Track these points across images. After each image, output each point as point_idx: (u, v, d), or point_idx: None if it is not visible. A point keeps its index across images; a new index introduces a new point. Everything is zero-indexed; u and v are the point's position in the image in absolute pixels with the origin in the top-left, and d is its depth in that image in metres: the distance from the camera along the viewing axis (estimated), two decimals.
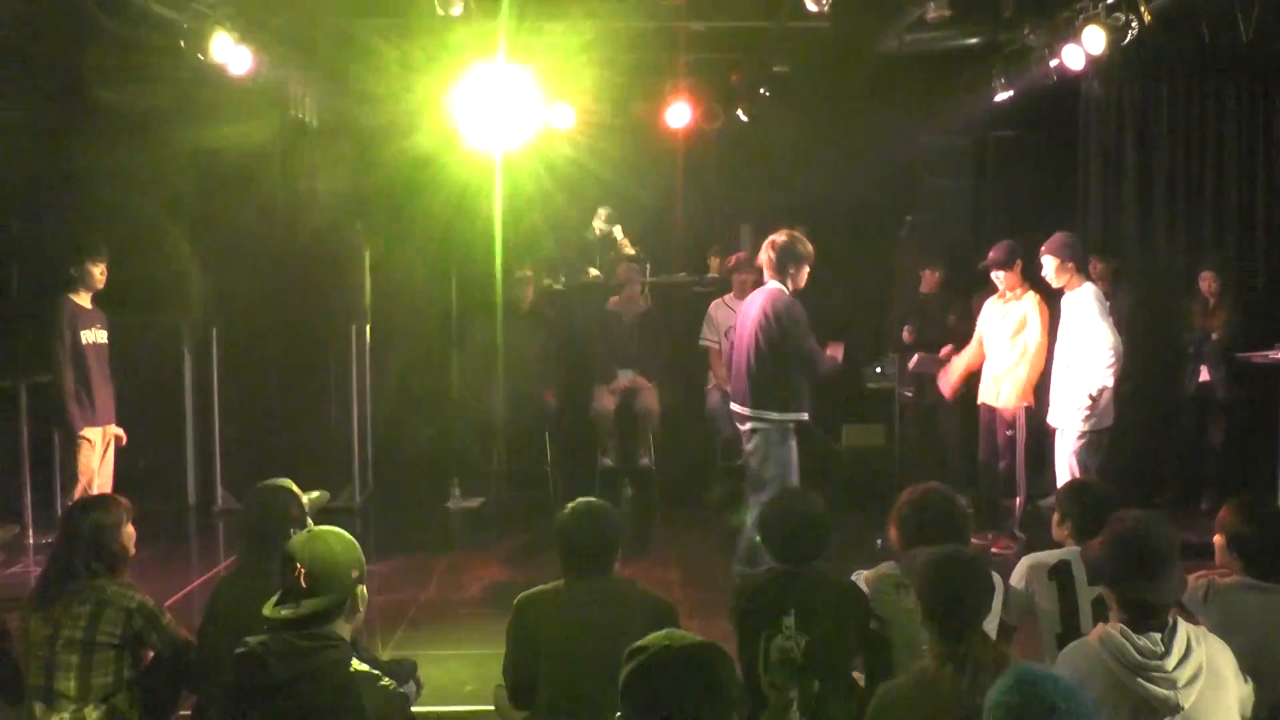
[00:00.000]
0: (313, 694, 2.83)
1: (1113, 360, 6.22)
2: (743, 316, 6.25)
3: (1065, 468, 6.31)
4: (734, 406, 6.27)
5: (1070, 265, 6.43)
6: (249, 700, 2.85)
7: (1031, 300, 6.98)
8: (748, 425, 6.15)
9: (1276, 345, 7.29)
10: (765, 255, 6.13)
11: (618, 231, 9.98)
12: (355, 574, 3.10)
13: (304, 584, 3.03)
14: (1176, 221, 8.37)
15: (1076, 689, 2.34)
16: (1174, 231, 8.37)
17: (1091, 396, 6.22)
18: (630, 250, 9.82)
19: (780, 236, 6.14)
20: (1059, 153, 8.81)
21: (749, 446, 6.16)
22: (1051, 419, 6.53)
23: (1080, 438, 6.28)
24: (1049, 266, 6.47)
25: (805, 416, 6.11)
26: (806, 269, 6.16)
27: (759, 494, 5.98)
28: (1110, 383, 6.24)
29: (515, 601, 3.64)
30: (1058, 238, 6.58)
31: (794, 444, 6.09)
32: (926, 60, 8.79)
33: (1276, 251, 8.38)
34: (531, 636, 3.52)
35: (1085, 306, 6.36)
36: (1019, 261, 7.00)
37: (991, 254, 7.08)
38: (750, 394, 6.09)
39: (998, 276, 7.02)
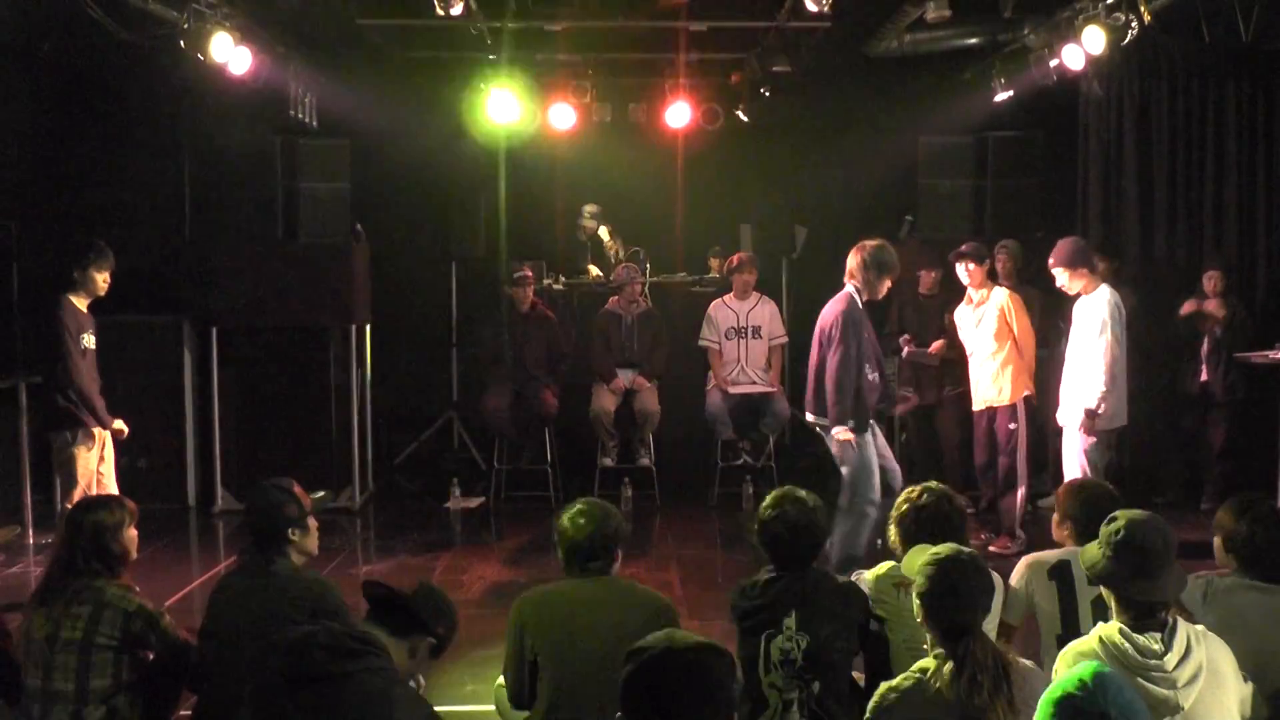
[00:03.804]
0: (350, 695, 2.77)
1: (1104, 388, 6.17)
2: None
3: (1075, 467, 6.24)
4: (809, 416, 6.37)
5: (1082, 271, 6.32)
6: (285, 688, 2.79)
7: (1002, 295, 7.00)
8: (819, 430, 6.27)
9: (1276, 345, 7.29)
10: (853, 258, 6.23)
11: (603, 232, 10.00)
12: (441, 630, 3.21)
13: (411, 592, 3.17)
14: (1177, 221, 8.36)
15: (1140, 708, 2.34)
16: (1174, 231, 8.36)
17: (1088, 410, 6.19)
18: (612, 245, 9.84)
19: (871, 241, 6.24)
20: (1059, 153, 8.81)
21: (834, 448, 6.22)
22: (1060, 418, 6.47)
23: (1090, 437, 6.24)
24: (1061, 279, 6.40)
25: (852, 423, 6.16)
26: (888, 281, 6.26)
27: (840, 496, 6.12)
28: (1098, 404, 6.18)
29: (515, 602, 3.64)
30: (1063, 247, 6.46)
31: (868, 441, 6.15)
32: (926, 60, 8.79)
33: (1277, 251, 8.38)
34: (531, 637, 3.52)
35: (1095, 314, 6.28)
36: (989, 261, 7.04)
37: (964, 247, 7.09)
38: (819, 399, 6.20)
39: (967, 269, 7.02)
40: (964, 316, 7.22)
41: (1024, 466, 6.99)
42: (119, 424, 6.19)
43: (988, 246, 7.26)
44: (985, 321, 7.03)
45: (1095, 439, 6.25)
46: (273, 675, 2.83)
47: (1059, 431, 6.64)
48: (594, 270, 9.93)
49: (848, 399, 6.05)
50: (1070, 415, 6.39)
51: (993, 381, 7.02)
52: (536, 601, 3.60)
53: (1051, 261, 6.43)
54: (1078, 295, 6.46)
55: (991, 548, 6.92)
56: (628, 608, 3.52)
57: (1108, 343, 6.22)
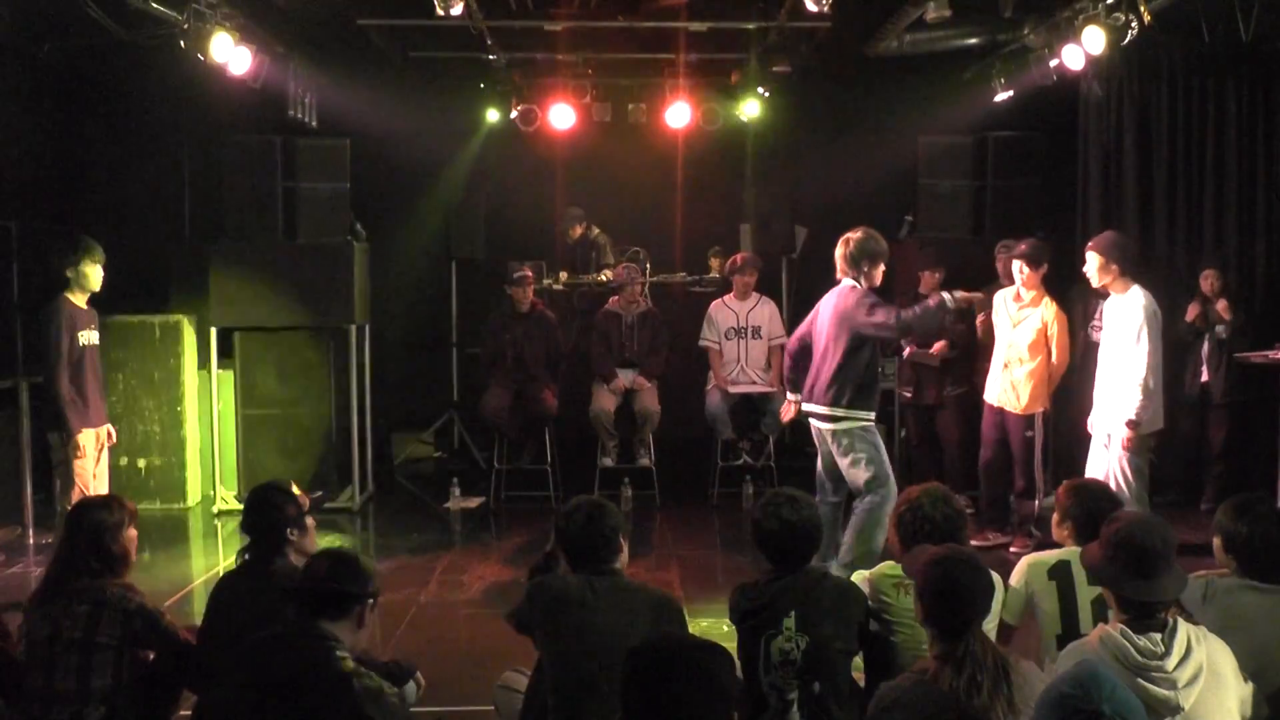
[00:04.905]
0: (309, 690, 2.86)
1: (1141, 398, 6.03)
2: (819, 320, 6.17)
3: (1116, 473, 6.09)
4: (813, 408, 6.12)
5: (1114, 268, 6.16)
6: (247, 694, 2.88)
7: (1051, 310, 6.91)
8: (836, 425, 6.03)
9: (1276, 345, 7.29)
10: (839, 251, 6.09)
11: (594, 232, 10.03)
12: (371, 588, 3.31)
13: (324, 574, 3.26)
14: (1176, 221, 8.36)
15: (1135, 706, 2.35)
16: (1174, 231, 8.36)
17: (1129, 423, 6.05)
18: (603, 240, 9.86)
19: (855, 233, 6.09)
20: (1059, 153, 8.80)
21: (837, 448, 6.05)
22: (1094, 424, 6.34)
23: (1129, 443, 6.11)
24: (1091, 264, 6.23)
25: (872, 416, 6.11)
26: (881, 267, 6.10)
27: (863, 498, 5.98)
28: (1138, 414, 6.04)
29: (531, 583, 3.68)
30: (1106, 236, 6.39)
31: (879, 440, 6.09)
32: (926, 60, 8.79)
33: (1277, 251, 8.38)
34: (538, 625, 3.56)
35: (1131, 317, 6.13)
36: (1046, 265, 6.94)
37: (1023, 246, 6.96)
38: (841, 394, 5.99)
39: (1022, 271, 6.91)
40: (1003, 304, 7.08)
41: (1040, 473, 6.98)
42: (86, 436, 6.14)
43: (1046, 248, 7.06)
44: (1024, 327, 6.92)
45: (1140, 445, 6.15)
46: (237, 687, 2.91)
47: (1075, 436, 6.55)
48: (587, 277, 9.94)
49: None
50: (1106, 422, 6.24)
51: (1011, 387, 6.95)
52: (551, 594, 3.59)
53: (1090, 245, 6.31)
54: (1104, 291, 6.34)
55: (1012, 548, 6.91)
56: (634, 606, 3.52)
57: (1146, 351, 6.06)
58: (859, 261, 6.04)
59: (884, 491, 5.94)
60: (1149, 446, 6.30)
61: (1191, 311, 7.92)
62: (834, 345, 6.02)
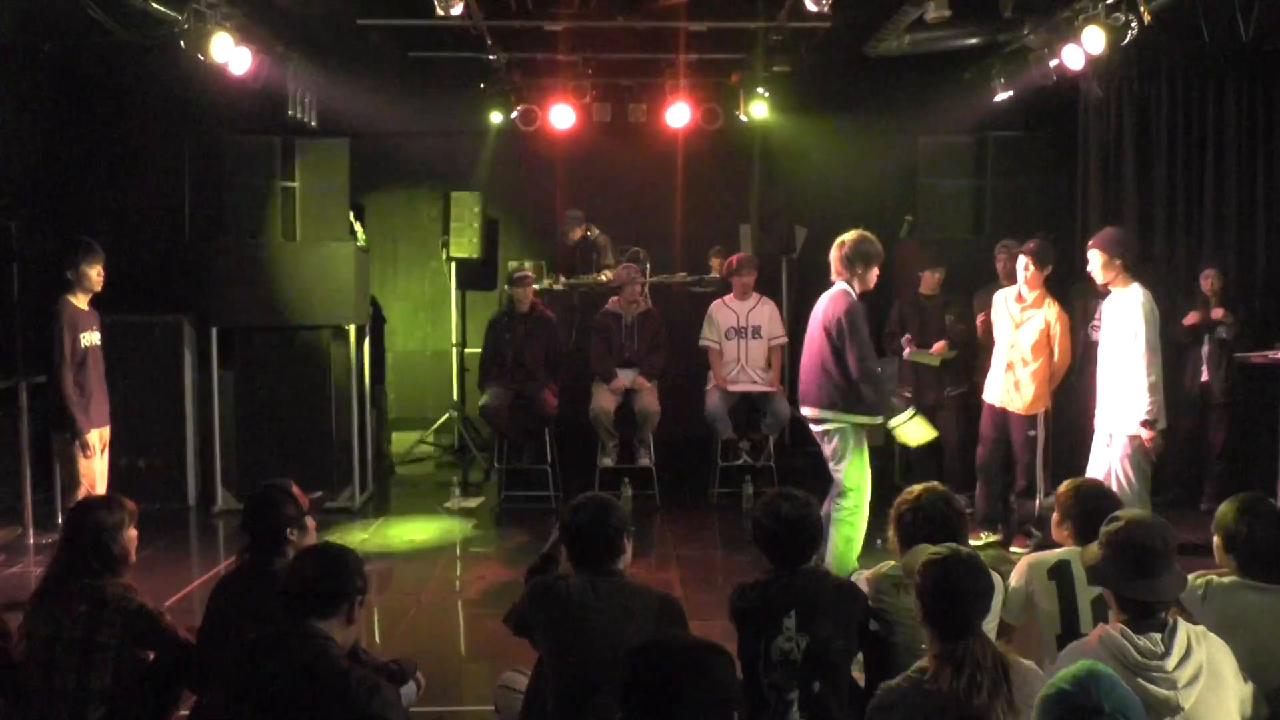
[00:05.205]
0: (305, 690, 2.86)
1: (1150, 399, 5.97)
2: (811, 319, 6.16)
3: (1117, 472, 6.07)
4: (804, 411, 6.11)
5: (1117, 263, 6.13)
6: (240, 694, 2.88)
7: (1053, 311, 6.91)
8: (822, 427, 6.01)
9: (1276, 345, 7.29)
10: (834, 253, 6.07)
11: (593, 233, 10.02)
12: (359, 583, 3.23)
13: (311, 571, 3.20)
14: (1176, 221, 8.37)
15: (1134, 704, 2.35)
16: (1174, 231, 8.36)
17: (1144, 423, 5.99)
18: (602, 241, 9.85)
19: (849, 235, 6.06)
20: (1059, 153, 8.80)
21: (827, 449, 6.04)
22: (1098, 424, 6.31)
23: (1133, 441, 6.06)
24: (1095, 261, 6.19)
25: (880, 420, 6.05)
26: (875, 269, 6.08)
27: (842, 498, 5.98)
28: (1150, 415, 5.98)
29: (533, 582, 3.66)
30: (1107, 232, 6.35)
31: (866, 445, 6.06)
32: (926, 60, 8.79)
33: (1276, 251, 8.38)
34: (539, 625, 3.54)
35: (1129, 316, 6.10)
36: (1050, 267, 6.93)
37: (1031, 244, 6.95)
38: (826, 395, 5.96)
39: (1027, 269, 6.89)
40: (1004, 304, 7.07)
41: (1041, 473, 6.97)
42: (92, 436, 6.17)
43: (1052, 250, 7.03)
44: (1027, 328, 6.92)
45: (1138, 444, 6.11)
46: (234, 689, 2.92)
47: (1075, 436, 6.53)
48: (587, 277, 9.94)
49: (882, 387, 6.00)
50: (1108, 422, 6.21)
51: (1014, 387, 6.95)
52: (551, 595, 3.58)
53: (1091, 243, 6.29)
54: (1105, 289, 6.32)
55: (1012, 548, 6.91)
56: (635, 607, 3.51)
57: (1144, 353, 6.02)
58: (853, 264, 6.01)
59: (855, 498, 5.95)
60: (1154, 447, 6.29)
61: (1191, 318, 7.91)
62: (819, 347, 6.01)
